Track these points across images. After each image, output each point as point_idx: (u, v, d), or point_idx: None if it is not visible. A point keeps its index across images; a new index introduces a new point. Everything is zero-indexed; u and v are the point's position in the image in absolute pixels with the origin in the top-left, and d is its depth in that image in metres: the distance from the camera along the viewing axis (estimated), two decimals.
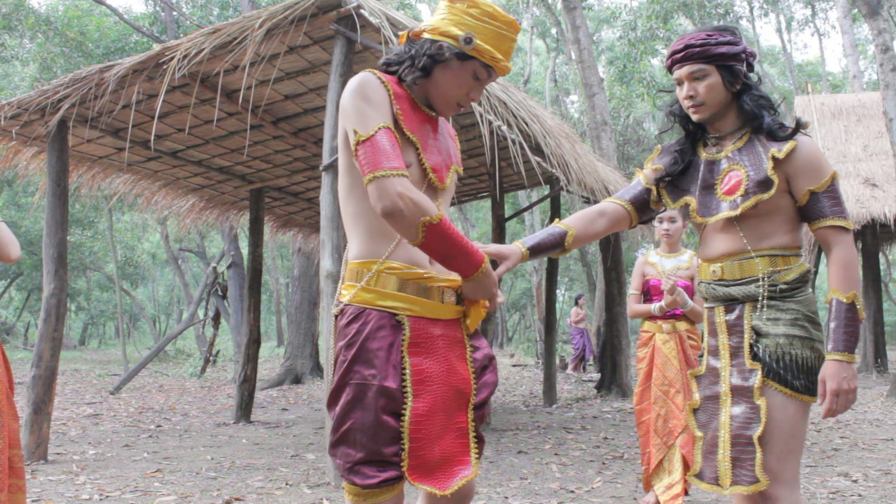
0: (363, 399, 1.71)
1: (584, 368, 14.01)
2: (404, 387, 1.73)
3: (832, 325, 1.90)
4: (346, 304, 1.81)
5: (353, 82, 1.78)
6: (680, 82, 2.06)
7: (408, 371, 1.74)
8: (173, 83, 4.98)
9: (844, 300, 1.90)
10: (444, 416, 1.78)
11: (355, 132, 1.71)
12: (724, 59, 1.99)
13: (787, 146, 1.94)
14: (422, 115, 1.88)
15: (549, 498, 4.06)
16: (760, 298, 1.95)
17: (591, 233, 2.20)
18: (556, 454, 5.45)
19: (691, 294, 3.73)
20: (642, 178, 2.24)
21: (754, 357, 1.95)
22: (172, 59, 4.69)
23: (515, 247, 2.06)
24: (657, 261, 3.89)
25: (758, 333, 1.96)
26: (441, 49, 1.81)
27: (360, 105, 1.73)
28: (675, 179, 2.16)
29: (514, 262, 2.02)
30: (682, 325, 3.77)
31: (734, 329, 2.01)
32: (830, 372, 1.88)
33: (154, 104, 5.22)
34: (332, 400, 1.77)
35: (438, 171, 1.87)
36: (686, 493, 3.66)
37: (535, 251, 2.09)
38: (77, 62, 13.95)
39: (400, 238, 1.78)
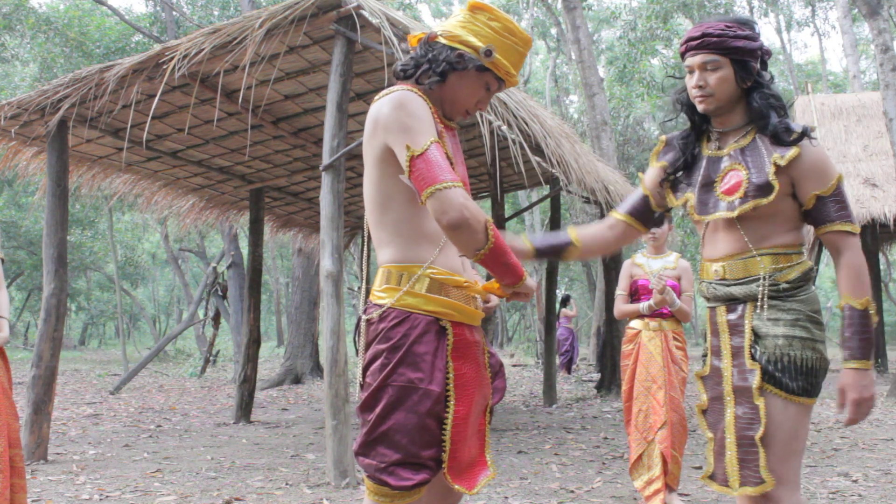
0: (406, 401, 1.73)
1: (571, 369, 13.84)
2: (447, 391, 1.77)
3: (847, 333, 1.90)
4: (389, 308, 1.80)
5: (393, 98, 1.77)
6: (691, 70, 2.01)
7: (451, 375, 1.78)
8: (173, 83, 4.98)
9: (858, 307, 1.89)
10: (474, 419, 1.83)
11: (408, 147, 1.71)
12: (740, 53, 1.94)
13: (790, 153, 1.90)
14: (447, 127, 1.90)
15: (549, 498, 4.06)
16: (760, 297, 1.93)
17: (599, 244, 2.23)
18: (556, 454, 5.45)
19: (678, 294, 3.81)
20: (641, 186, 2.23)
21: (753, 357, 1.93)
22: (172, 59, 4.69)
23: (525, 245, 2.11)
24: (644, 262, 3.97)
25: (757, 334, 1.94)
26: (461, 58, 1.83)
27: (406, 121, 1.73)
28: (680, 175, 2.13)
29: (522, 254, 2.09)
30: (669, 325, 3.84)
31: (735, 329, 1.99)
32: (850, 381, 1.87)
33: (154, 104, 5.22)
34: (371, 401, 1.77)
35: (466, 183, 1.91)
36: (668, 488, 3.69)
37: (541, 252, 2.15)
38: (77, 62, 13.95)
39: (444, 244, 1.81)
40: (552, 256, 2.20)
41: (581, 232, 2.20)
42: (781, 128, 1.94)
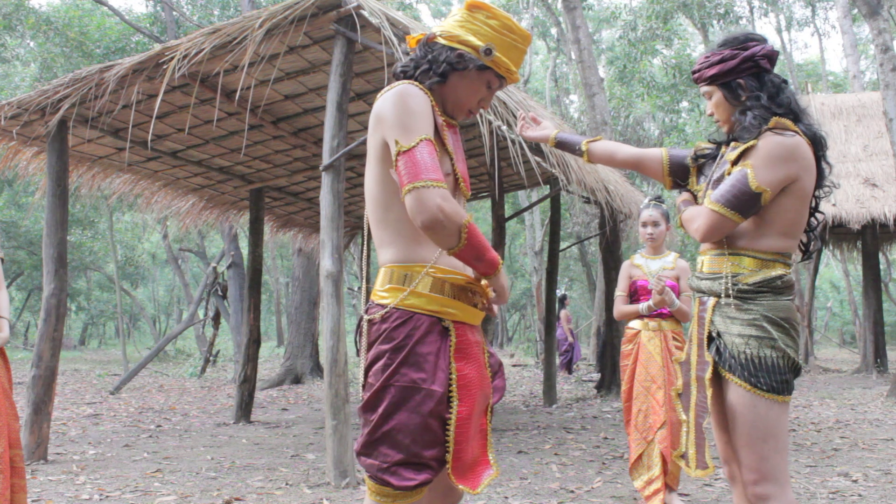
0: (409, 401, 1.72)
1: (571, 369, 13.80)
2: (450, 391, 1.76)
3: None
4: (392, 308, 1.78)
5: (394, 93, 1.76)
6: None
7: (454, 376, 1.77)
8: (173, 83, 4.99)
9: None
10: (476, 418, 1.83)
11: (397, 142, 1.70)
12: (719, 77, 2.07)
13: (738, 150, 2.01)
14: (448, 124, 1.90)
15: (549, 498, 4.06)
16: (722, 295, 2.03)
17: (615, 151, 2.42)
18: (556, 454, 5.45)
19: (677, 294, 3.81)
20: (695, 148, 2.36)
21: (716, 351, 2.05)
22: (172, 59, 4.69)
23: (552, 129, 2.48)
24: (643, 262, 3.97)
25: (718, 331, 2.05)
26: (461, 58, 1.83)
27: (402, 116, 1.72)
28: (703, 167, 2.27)
29: (543, 137, 2.48)
30: (668, 325, 3.84)
31: (701, 321, 2.12)
32: None
33: (154, 104, 5.22)
34: (373, 401, 1.76)
35: (466, 179, 1.91)
36: (668, 488, 3.69)
37: (560, 143, 2.47)
38: (77, 62, 13.95)
39: None
40: (570, 150, 2.48)
41: (602, 139, 2.42)
42: (745, 131, 2.03)
